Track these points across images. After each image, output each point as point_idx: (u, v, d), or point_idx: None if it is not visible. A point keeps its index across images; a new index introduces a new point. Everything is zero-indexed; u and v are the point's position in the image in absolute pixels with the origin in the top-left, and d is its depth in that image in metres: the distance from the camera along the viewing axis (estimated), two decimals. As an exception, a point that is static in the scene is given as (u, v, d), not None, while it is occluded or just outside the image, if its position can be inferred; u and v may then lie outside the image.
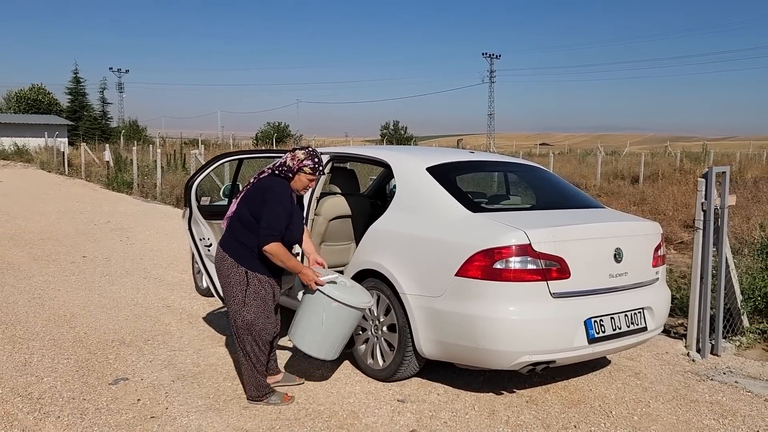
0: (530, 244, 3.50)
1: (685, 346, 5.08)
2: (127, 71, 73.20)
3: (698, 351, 5.01)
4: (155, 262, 8.04)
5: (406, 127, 66.41)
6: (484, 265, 3.51)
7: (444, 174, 4.22)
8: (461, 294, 3.59)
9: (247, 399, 3.77)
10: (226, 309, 3.84)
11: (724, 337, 5.15)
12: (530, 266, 3.50)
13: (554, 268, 3.55)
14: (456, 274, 3.61)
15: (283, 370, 4.13)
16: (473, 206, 3.94)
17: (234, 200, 3.78)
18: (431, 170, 4.22)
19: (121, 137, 39.39)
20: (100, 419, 3.54)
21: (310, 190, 4.95)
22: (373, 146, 5.16)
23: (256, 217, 3.56)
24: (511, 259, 3.48)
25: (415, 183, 4.20)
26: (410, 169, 4.33)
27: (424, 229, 3.92)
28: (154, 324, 5.37)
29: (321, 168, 3.74)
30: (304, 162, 3.65)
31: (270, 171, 3.70)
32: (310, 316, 3.69)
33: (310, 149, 3.75)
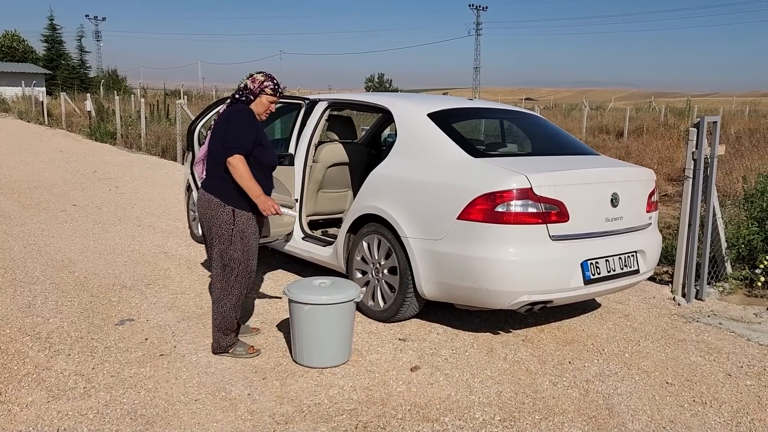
0: (531, 188, 3.59)
1: (671, 291, 5.27)
2: (104, 19, 71.09)
3: (683, 296, 5.20)
4: (147, 210, 8.04)
5: (391, 80, 65.81)
6: (486, 209, 3.60)
7: (445, 120, 4.26)
8: (463, 237, 3.69)
9: (212, 350, 3.67)
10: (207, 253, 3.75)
11: (708, 283, 5.35)
12: (531, 209, 3.60)
13: (554, 212, 3.65)
14: (458, 218, 3.70)
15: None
16: (474, 151, 4.00)
17: (205, 143, 3.73)
18: (432, 116, 4.25)
19: (101, 87, 38.50)
20: (111, 356, 3.63)
21: (308, 137, 4.98)
22: (373, 93, 5.16)
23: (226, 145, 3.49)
24: (513, 202, 3.57)
25: (417, 129, 4.24)
26: (411, 115, 4.36)
27: (425, 173, 3.98)
28: (153, 269, 5.43)
29: (280, 89, 3.68)
30: (265, 83, 3.61)
31: (230, 100, 3.68)
32: (299, 330, 3.53)
33: (267, 72, 3.70)
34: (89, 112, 19.48)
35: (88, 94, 23.03)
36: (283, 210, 3.65)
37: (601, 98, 68.77)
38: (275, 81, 3.66)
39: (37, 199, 8.56)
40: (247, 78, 3.69)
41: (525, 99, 62.41)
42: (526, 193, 3.58)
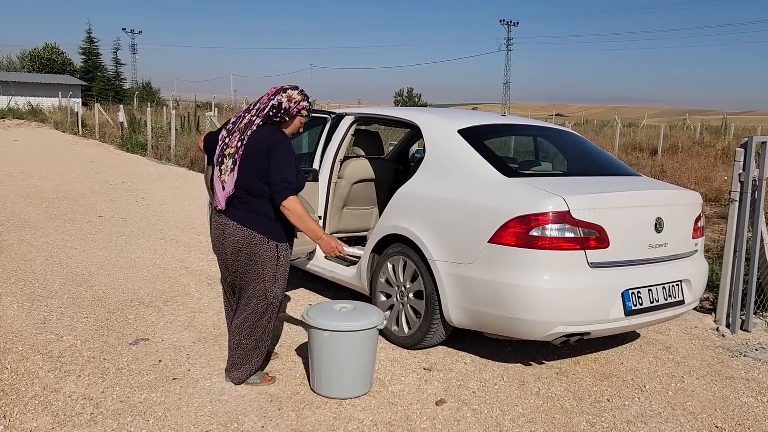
0: (569, 210, 3.35)
1: (715, 321, 4.95)
2: (140, 32, 72.51)
3: (728, 326, 4.88)
4: (171, 223, 7.96)
5: (420, 94, 65.82)
6: (520, 232, 3.37)
7: (476, 136, 4.05)
8: (494, 261, 3.46)
9: (228, 377, 3.44)
10: (240, 288, 3.39)
11: (754, 313, 5.01)
12: (568, 234, 3.35)
13: (593, 237, 3.40)
14: (489, 241, 3.47)
15: None
16: (507, 170, 3.78)
17: (219, 165, 3.25)
18: (463, 132, 4.04)
19: (135, 99, 39.18)
20: (122, 379, 3.47)
21: (334, 152, 4.81)
22: (401, 107, 4.98)
23: (266, 180, 3.17)
24: (548, 226, 3.33)
25: (446, 145, 4.03)
26: (441, 130, 4.16)
27: (455, 193, 3.77)
28: (173, 285, 5.29)
29: (312, 108, 3.46)
30: (302, 104, 3.30)
31: (260, 119, 3.26)
32: (318, 357, 3.31)
33: (299, 87, 3.37)
34: (122, 123, 19.74)
35: (122, 105, 23.35)
36: (348, 249, 3.44)
37: (633, 115, 67.75)
38: (309, 100, 3.37)
39: (64, 209, 8.56)
40: (281, 93, 3.30)
41: (555, 115, 61.82)
42: (563, 217, 3.34)
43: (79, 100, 36.85)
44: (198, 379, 3.50)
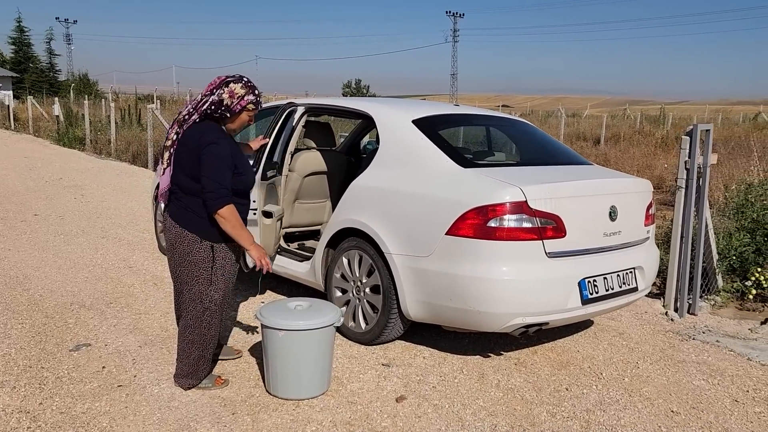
0: (526, 201, 3.31)
1: (663, 306, 5.06)
2: (75, 22, 69.70)
3: (676, 310, 4.99)
4: (113, 220, 7.62)
5: (368, 86, 65.59)
6: (477, 223, 3.31)
7: (431, 127, 3.97)
8: (452, 253, 3.39)
9: (176, 383, 3.26)
10: (179, 290, 3.24)
11: (700, 297, 5.15)
12: (525, 224, 3.32)
13: (550, 227, 3.38)
14: (446, 233, 3.41)
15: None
16: (463, 161, 3.72)
17: (161, 157, 3.10)
18: (417, 123, 3.96)
19: (71, 91, 37.53)
20: (62, 389, 3.25)
21: (284, 144, 4.65)
22: (353, 98, 4.87)
23: (198, 179, 2.98)
24: (506, 216, 3.29)
25: (401, 136, 3.94)
26: (395, 121, 4.06)
27: (411, 185, 3.68)
28: (116, 286, 5.04)
29: (260, 101, 3.12)
30: (246, 98, 3.01)
31: (198, 115, 3.01)
32: (273, 358, 3.18)
33: (247, 79, 3.07)
34: (57, 116, 18.88)
35: (57, 98, 22.33)
36: (273, 268, 3.32)
37: (576, 105, 69.41)
38: (257, 92, 3.06)
39: (-4, 208, 8.08)
40: (222, 87, 3.02)
41: (502, 106, 62.67)
42: (521, 207, 3.31)
43: (10, 92, 35.10)
44: (145, 385, 3.32)
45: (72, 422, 2.92)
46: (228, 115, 3.04)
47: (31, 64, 48.97)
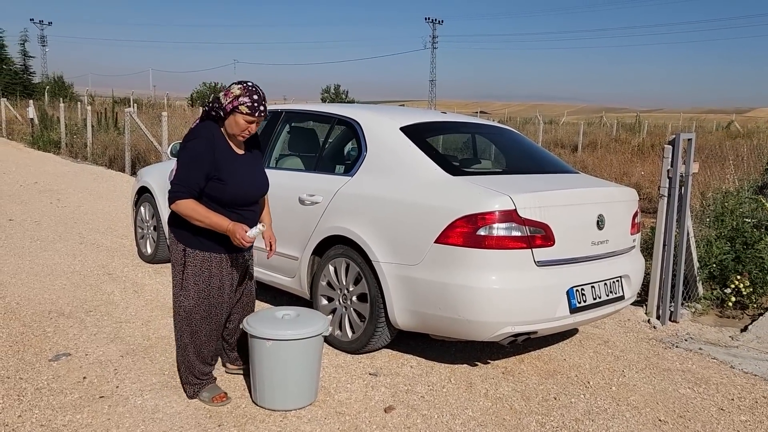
0: (516, 209, 3.31)
1: (646, 313, 5.10)
2: (50, 23, 68.50)
3: (658, 318, 5.03)
4: (91, 226, 7.47)
5: (347, 91, 65.55)
6: (467, 232, 3.30)
7: (419, 134, 3.96)
8: (441, 262, 3.38)
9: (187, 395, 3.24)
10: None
11: (681, 304, 5.20)
12: (515, 233, 3.31)
13: (539, 235, 3.38)
14: (435, 241, 3.39)
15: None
16: (452, 169, 3.71)
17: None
18: (405, 130, 3.95)
19: (46, 94, 36.89)
20: (41, 400, 3.15)
21: (268, 150, 4.60)
22: (339, 104, 4.83)
23: None
24: (495, 225, 3.29)
25: (389, 143, 3.92)
26: (383, 128, 4.04)
27: (399, 192, 3.66)
28: (96, 293, 4.93)
29: (262, 108, 2.95)
30: (240, 99, 2.90)
31: (203, 114, 3.04)
32: (260, 368, 3.12)
33: (250, 84, 2.98)
34: (32, 119, 18.51)
35: (31, 101, 21.91)
36: (250, 232, 2.96)
37: (552, 112, 70.15)
38: (256, 97, 2.93)
39: (-32, 213, 7.88)
40: (235, 86, 2.98)
41: (480, 112, 63.05)
42: (510, 215, 3.30)
43: (-17, 94, 34.36)
44: (128, 396, 3.24)
45: (52, 436, 2.84)
46: (221, 114, 2.99)
47: (4, 66, 47.97)
